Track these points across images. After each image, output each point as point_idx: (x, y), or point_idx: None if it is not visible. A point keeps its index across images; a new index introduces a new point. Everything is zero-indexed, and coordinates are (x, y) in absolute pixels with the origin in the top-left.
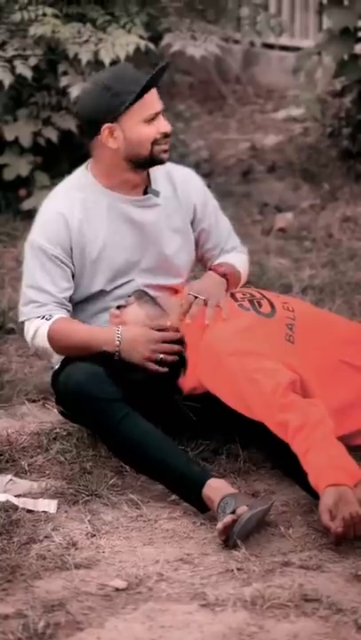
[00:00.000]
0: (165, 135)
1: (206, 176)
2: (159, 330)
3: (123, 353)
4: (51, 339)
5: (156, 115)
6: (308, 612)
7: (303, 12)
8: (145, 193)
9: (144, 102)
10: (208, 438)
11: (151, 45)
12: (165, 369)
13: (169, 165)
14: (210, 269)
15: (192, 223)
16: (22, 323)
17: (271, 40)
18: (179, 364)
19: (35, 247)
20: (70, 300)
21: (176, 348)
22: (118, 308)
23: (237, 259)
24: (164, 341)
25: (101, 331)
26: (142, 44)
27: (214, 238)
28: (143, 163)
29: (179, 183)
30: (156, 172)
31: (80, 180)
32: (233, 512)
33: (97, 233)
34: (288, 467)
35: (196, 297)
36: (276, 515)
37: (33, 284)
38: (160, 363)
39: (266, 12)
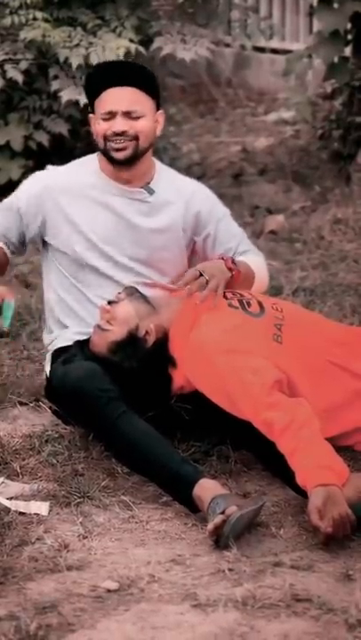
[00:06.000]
0: (115, 134)
1: (198, 179)
2: None
3: None
4: None
5: (112, 114)
6: (298, 611)
7: (294, 15)
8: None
9: (102, 98)
10: (199, 440)
11: (142, 49)
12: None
13: (177, 175)
14: (221, 258)
15: (195, 231)
16: None
17: (262, 43)
18: (166, 362)
19: (12, 194)
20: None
21: None
22: (110, 303)
23: (252, 260)
24: None
25: None
26: (133, 47)
27: (224, 243)
28: (106, 157)
29: (183, 186)
30: (162, 175)
31: (87, 158)
32: (223, 512)
33: (72, 205)
34: (277, 467)
35: (201, 274)
36: (267, 515)
37: None
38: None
39: (256, 15)
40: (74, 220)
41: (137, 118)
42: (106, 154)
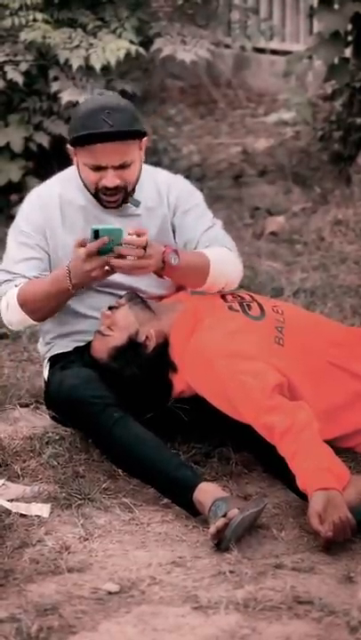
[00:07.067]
0: (107, 188)
1: (198, 180)
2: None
3: (75, 283)
4: (20, 299)
5: (101, 168)
6: (300, 613)
7: (294, 16)
8: (127, 201)
9: (90, 151)
10: (200, 442)
11: (142, 50)
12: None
13: (154, 173)
14: (164, 247)
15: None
16: None
17: (262, 44)
18: (166, 367)
19: (14, 230)
20: None
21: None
22: (110, 308)
23: (214, 252)
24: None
25: (55, 272)
26: (133, 48)
27: (185, 234)
28: (96, 199)
29: (161, 183)
30: (143, 177)
31: (71, 173)
32: (224, 515)
33: (69, 228)
34: (278, 469)
35: (145, 248)
36: (268, 517)
37: (5, 268)
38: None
39: (256, 16)
40: (69, 245)
41: (128, 166)
42: (97, 198)
